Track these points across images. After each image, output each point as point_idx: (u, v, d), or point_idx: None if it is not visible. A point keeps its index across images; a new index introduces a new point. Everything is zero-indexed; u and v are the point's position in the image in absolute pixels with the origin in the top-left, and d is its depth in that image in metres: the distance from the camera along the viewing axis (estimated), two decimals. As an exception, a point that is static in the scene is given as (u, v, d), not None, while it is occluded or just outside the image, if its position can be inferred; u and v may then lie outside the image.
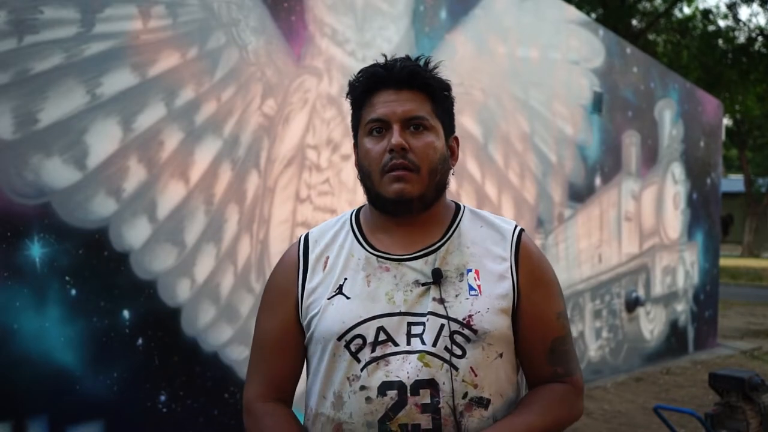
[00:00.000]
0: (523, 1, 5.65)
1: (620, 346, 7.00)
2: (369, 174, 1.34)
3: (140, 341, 3.05)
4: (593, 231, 6.59)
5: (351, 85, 1.40)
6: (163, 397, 3.14)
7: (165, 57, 3.15)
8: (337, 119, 3.97)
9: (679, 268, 8.23)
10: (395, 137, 1.30)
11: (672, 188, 8.09)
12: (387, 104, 1.33)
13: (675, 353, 8.00)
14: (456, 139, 1.43)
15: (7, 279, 2.63)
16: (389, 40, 4.31)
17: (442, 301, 1.30)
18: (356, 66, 4.03)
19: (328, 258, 1.39)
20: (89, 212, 2.89)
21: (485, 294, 1.31)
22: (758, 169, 31.35)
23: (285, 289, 1.40)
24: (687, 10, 20.47)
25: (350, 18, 4.08)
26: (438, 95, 1.37)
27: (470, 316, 1.29)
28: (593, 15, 17.04)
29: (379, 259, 1.35)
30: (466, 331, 1.28)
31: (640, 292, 7.31)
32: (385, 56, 1.41)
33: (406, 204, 1.32)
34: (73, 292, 2.83)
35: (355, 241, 1.39)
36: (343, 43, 4.02)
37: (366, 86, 1.36)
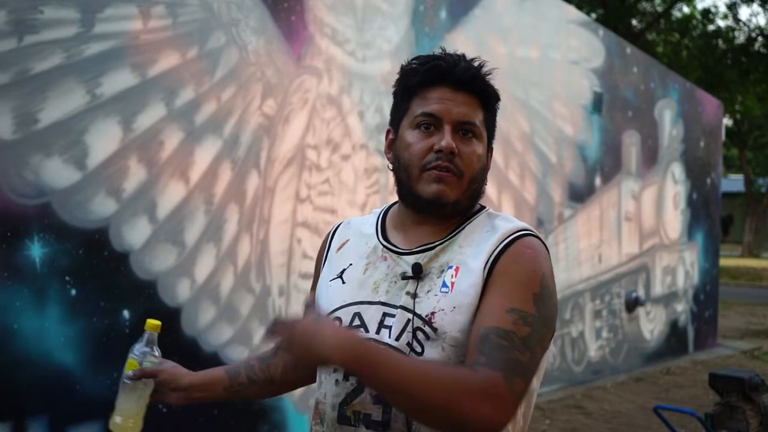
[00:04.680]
0: (523, 1, 5.65)
1: (620, 346, 7.00)
2: (407, 167, 1.30)
3: (140, 341, 3.05)
4: (593, 231, 6.59)
5: (406, 71, 1.35)
6: (163, 397, 3.14)
7: (165, 57, 3.15)
8: (337, 119, 3.96)
9: (679, 268, 8.23)
10: (447, 139, 1.26)
11: (672, 188, 8.10)
12: (443, 102, 1.29)
13: (675, 353, 8.00)
14: (491, 149, 1.39)
15: (7, 279, 2.63)
16: (389, 40, 4.31)
17: (414, 296, 1.28)
18: (356, 66, 4.04)
19: (347, 241, 1.43)
20: (89, 212, 2.89)
21: (455, 291, 1.24)
22: (758, 169, 31.34)
23: (317, 265, 1.50)
24: (686, 10, 20.47)
25: (350, 18, 4.08)
26: (491, 104, 1.34)
27: (433, 313, 1.24)
28: (593, 15, 17.04)
29: (384, 249, 1.36)
30: (426, 329, 1.24)
31: (640, 292, 7.31)
32: (443, 49, 1.36)
33: (441, 207, 1.29)
34: (73, 292, 2.83)
35: (374, 230, 1.41)
36: (343, 43, 4.02)
37: (425, 77, 1.31)
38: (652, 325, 7.62)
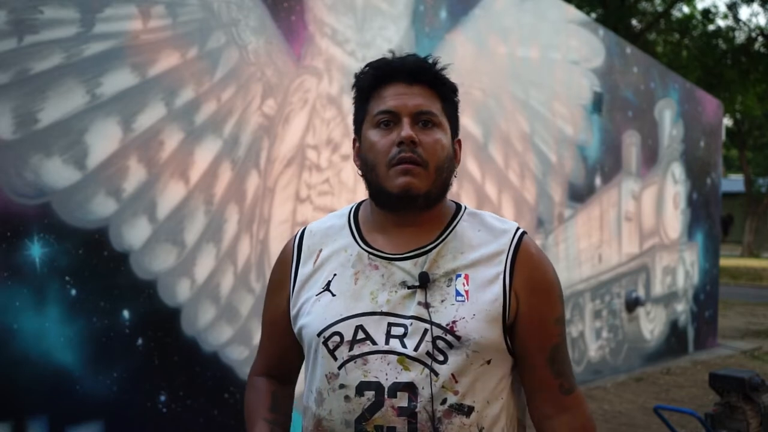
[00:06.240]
0: (523, 1, 5.65)
1: (620, 346, 7.00)
2: (374, 167, 1.31)
3: (140, 341, 3.06)
4: (593, 231, 6.59)
5: (358, 76, 1.37)
6: (163, 397, 3.14)
7: (165, 57, 3.15)
8: (337, 119, 3.96)
9: (679, 268, 8.23)
10: (405, 130, 1.27)
11: (672, 188, 8.09)
12: (398, 97, 1.31)
13: (675, 353, 8.00)
14: (459, 141, 1.40)
15: (7, 279, 2.63)
16: (389, 40, 4.31)
17: (427, 305, 1.27)
18: (356, 66, 4.03)
19: (320, 251, 1.38)
20: (89, 212, 2.89)
21: (472, 300, 1.28)
22: (758, 169, 31.32)
23: (280, 281, 1.42)
24: (686, 10, 20.47)
25: (350, 18, 4.08)
26: (447, 94, 1.35)
27: (454, 322, 1.26)
28: (593, 15, 17.03)
29: (370, 256, 1.33)
30: (448, 337, 1.25)
31: (640, 292, 7.31)
32: (392, 52, 1.38)
33: (412, 200, 1.29)
34: (73, 292, 2.83)
35: (351, 237, 1.37)
36: (343, 43, 4.02)
37: (377, 78, 1.33)
38: (652, 325, 7.62)
